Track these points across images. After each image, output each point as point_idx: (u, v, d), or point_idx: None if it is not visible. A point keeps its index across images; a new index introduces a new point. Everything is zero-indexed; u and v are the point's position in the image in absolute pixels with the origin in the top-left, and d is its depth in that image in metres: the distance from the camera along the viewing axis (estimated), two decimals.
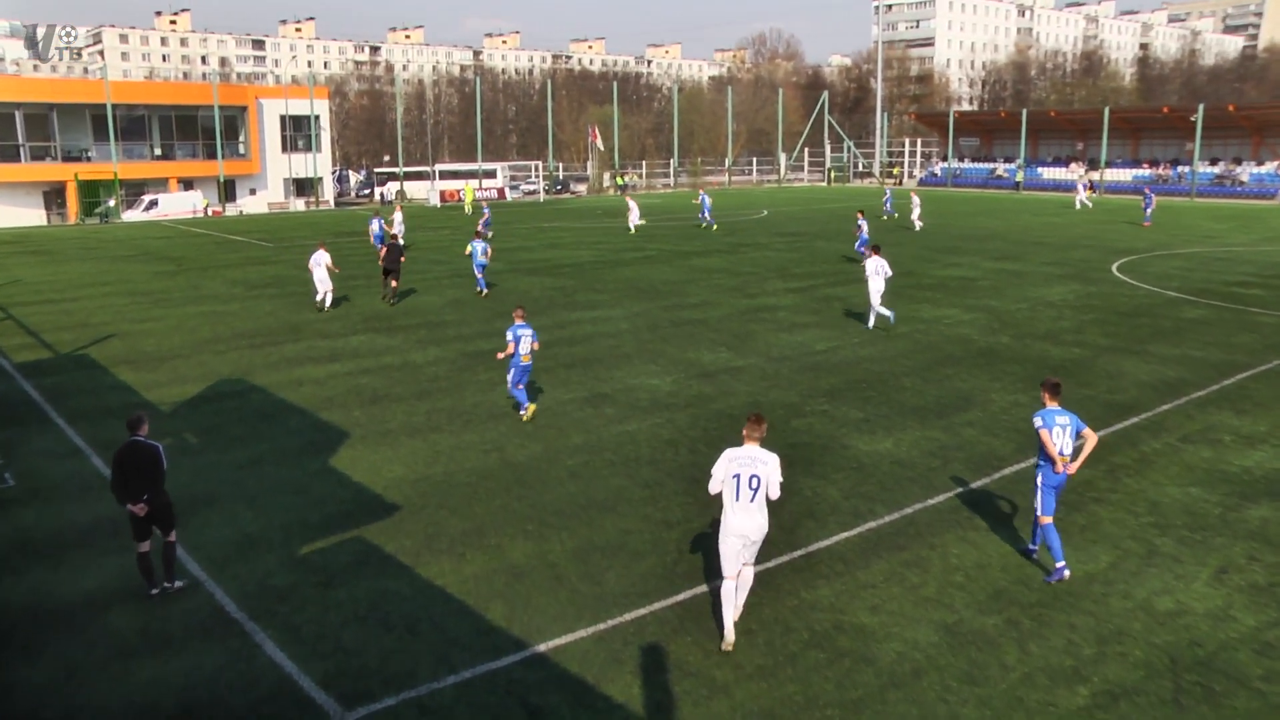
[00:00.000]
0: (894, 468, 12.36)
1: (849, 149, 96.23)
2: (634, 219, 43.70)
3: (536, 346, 14.29)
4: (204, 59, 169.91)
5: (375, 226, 34.79)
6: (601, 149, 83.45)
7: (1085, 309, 23.22)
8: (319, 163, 67.03)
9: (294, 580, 9.47)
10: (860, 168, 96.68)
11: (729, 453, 8.18)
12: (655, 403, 15.30)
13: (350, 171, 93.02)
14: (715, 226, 44.03)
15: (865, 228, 33.12)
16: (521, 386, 14.39)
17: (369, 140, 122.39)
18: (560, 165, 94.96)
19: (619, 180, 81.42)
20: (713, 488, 8.19)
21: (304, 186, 67.57)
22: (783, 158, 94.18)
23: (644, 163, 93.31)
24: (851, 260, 32.10)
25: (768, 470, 8.05)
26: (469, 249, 25.94)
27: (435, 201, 68.42)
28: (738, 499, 8.06)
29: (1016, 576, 9.47)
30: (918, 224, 42.32)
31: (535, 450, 13.06)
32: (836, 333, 20.49)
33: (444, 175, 74.95)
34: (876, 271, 20.75)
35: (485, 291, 25.74)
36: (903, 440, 13.38)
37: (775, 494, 8.08)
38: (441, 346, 19.62)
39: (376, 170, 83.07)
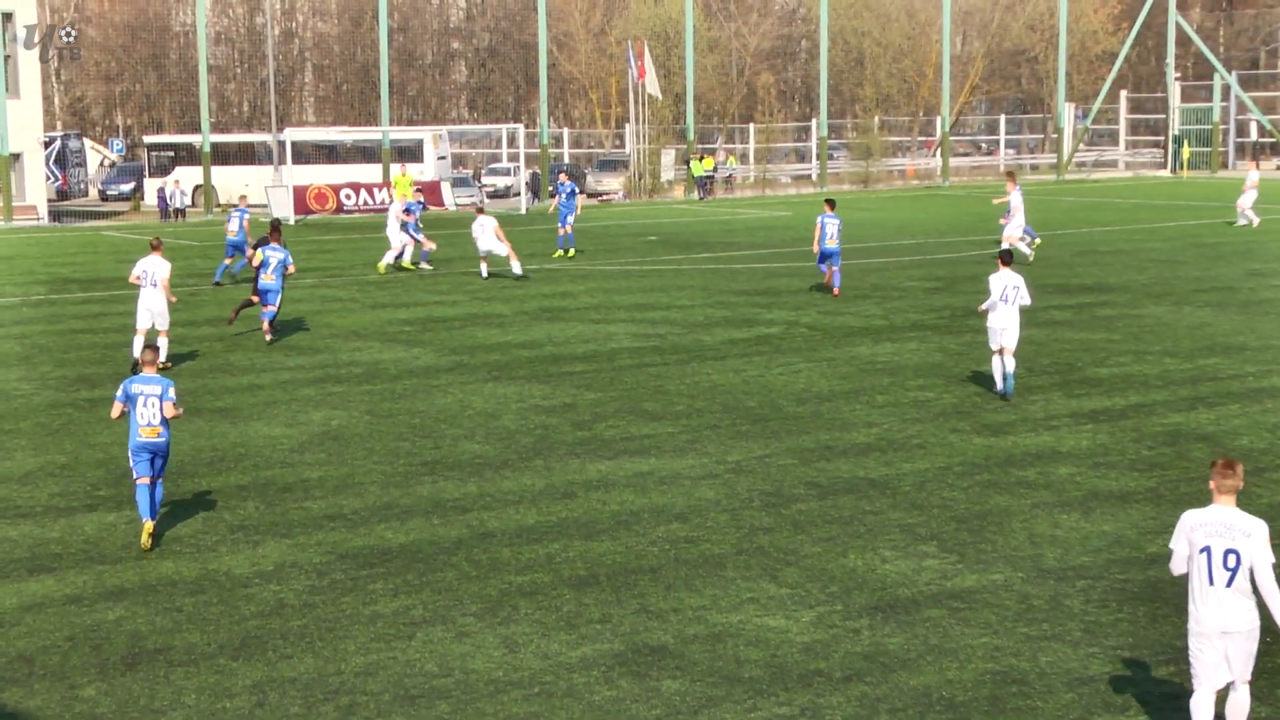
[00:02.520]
0: None
1: (1227, 90, 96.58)
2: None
3: (180, 413, 18.13)
4: None
5: (234, 224, 43.16)
6: (657, 97, 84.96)
7: None
8: (10, 123, 69.07)
9: None
10: (1259, 134, 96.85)
11: (1190, 517, 12.16)
12: (776, 670, 15.29)
13: (89, 143, 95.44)
14: (570, 253, 51.51)
15: (830, 229, 37.84)
16: (156, 485, 17.86)
17: (133, 75, 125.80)
18: (565, 134, 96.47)
19: (695, 166, 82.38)
20: (1175, 568, 12.28)
21: None
22: (1068, 114, 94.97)
23: (751, 127, 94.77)
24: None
25: (1251, 544, 11.80)
26: (260, 256, 32.97)
27: (285, 212, 69.80)
28: (1211, 583, 11.87)
29: None
30: (1027, 250, 46.93)
31: None
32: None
33: (305, 155, 76.62)
34: (1004, 296, 24.49)
35: (270, 336, 33.93)
36: None
37: (1269, 585, 11.77)
38: (291, 537, 19.91)
39: (150, 143, 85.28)
